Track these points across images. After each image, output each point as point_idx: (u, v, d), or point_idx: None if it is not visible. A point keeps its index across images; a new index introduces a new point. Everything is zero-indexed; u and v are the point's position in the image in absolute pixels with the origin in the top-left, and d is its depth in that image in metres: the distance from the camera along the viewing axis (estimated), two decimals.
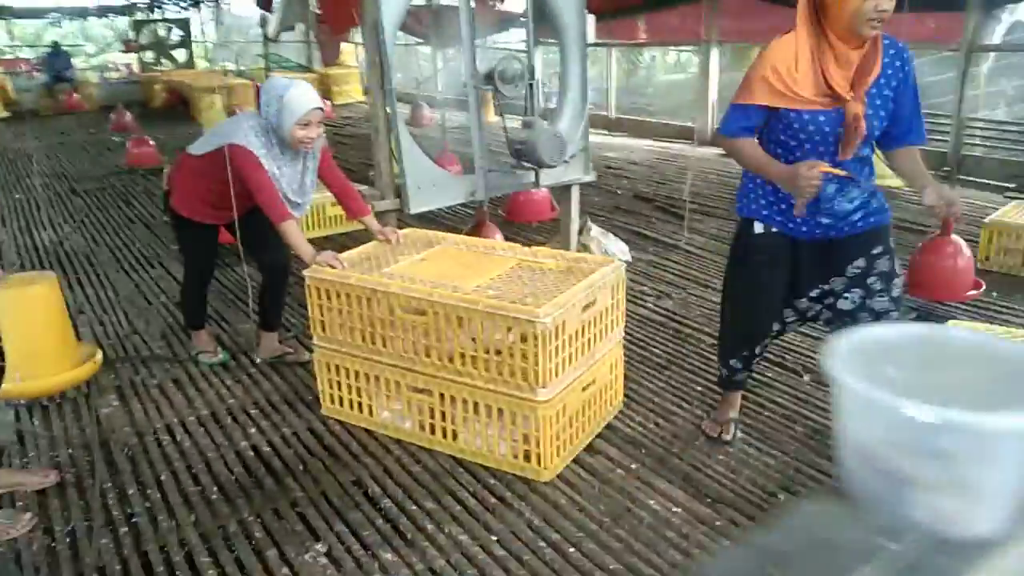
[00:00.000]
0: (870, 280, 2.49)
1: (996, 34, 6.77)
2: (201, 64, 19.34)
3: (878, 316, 2.49)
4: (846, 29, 2.17)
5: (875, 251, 2.48)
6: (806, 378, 3.39)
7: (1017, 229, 4.59)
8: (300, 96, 3.01)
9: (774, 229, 2.51)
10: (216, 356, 3.66)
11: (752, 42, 9.42)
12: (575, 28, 4.16)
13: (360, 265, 2.97)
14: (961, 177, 6.77)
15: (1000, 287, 4.37)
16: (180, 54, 18.06)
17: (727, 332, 2.84)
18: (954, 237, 4.16)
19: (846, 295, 2.53)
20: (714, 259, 5.05)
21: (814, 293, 2.59)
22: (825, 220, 2.43)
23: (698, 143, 8.97)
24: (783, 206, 2.46)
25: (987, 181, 6.57)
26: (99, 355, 3.62)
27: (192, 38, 18.78)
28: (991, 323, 3.51)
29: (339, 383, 3.03)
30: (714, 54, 8.95)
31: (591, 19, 7.89)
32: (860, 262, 2.48)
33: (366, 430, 2.99)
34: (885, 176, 6.41)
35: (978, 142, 7.05)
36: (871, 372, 0.64)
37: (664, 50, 13.02)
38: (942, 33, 6.94)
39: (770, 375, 3.42)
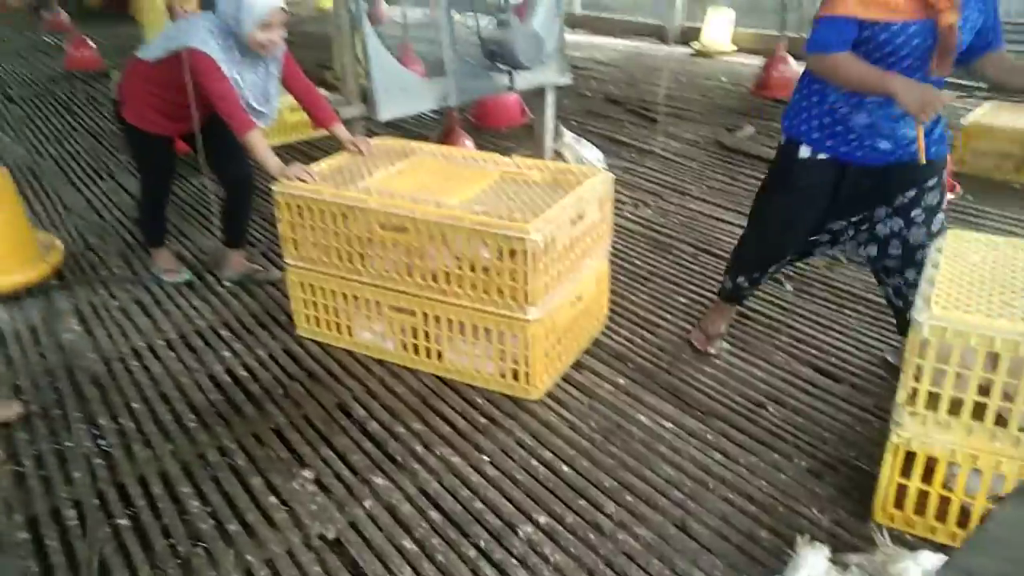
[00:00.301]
0: (914, 212, 2.34)
1: None
2: None
3: (910, 248, 2.36)
4: None
5: (928, 183, 2.31)
6: (788, 287, 3.36)
7: (992, 131, 4.55)
8: None
9: (822, 156, 2.33)
10: (180, 275, 3.49)
11: None
12: None
13: (332, 179, 2.80)
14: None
15: (975, 190, 4.36)
16: None
17: (746, 252, 2.69)
18: None
19: (885, 222, 2.40)
20: (689, 165, 4.95)
21: (854, 218, 2.46)
22: (885, 145, 2.25)
23: (668, 42, 8.71)
24: (838, 128, 2.28)
25: (960, 81, 6.48)
26: (58, 243, 3.62)
27: None
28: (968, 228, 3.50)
29: (315, 303, 2.91)
30: None
31: None
32: (911, 192, 2.32)
33: (346, 351, 2.90)
34: None
35: None
36: None
37: None
38: None
39: None
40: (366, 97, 3.66)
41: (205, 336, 3.06)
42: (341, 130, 3.12)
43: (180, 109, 2.92)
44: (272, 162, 2.81)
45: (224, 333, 3.08)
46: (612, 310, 3.13)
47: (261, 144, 2.82)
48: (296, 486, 2.25)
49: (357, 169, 2.90)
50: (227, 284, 3.45)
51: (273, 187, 2.78)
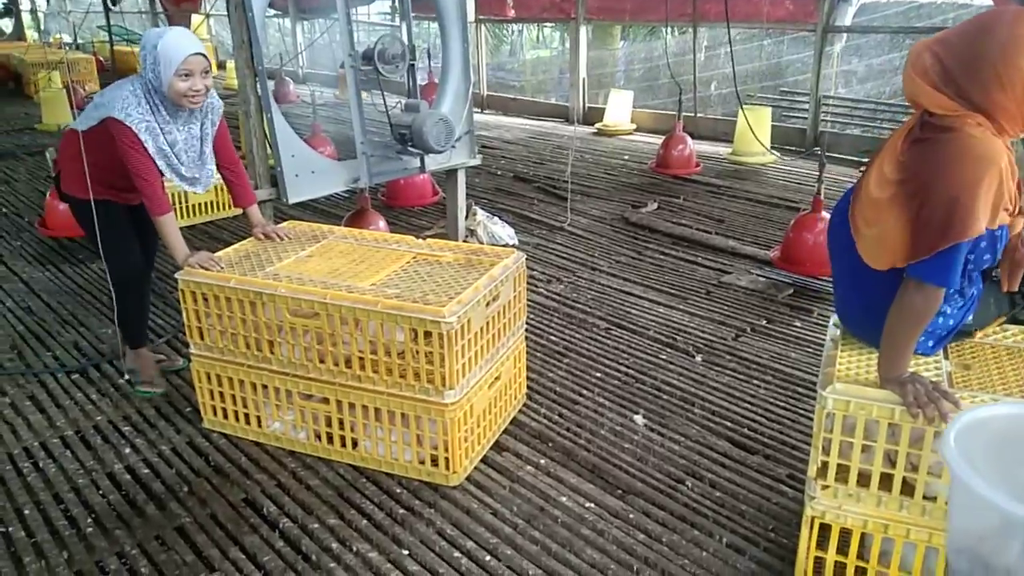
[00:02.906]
0: None
1: (847, 16, 7.14)
2: (32, 36, 17.59)
3: None
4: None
5: None
6: (698, 358, 3.44)
7: None
8: (175, 42, 2.64)
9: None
10: (155, 388, 3.15)
11: (615, 20, 9.55)
12: (455, 6, 4.01)
13: (240, 265, 2.73)
14: (821, 152, 7.12)
15: None
16: (5, 25, 16.33)
17: None
18: (824, 214, 4.35)
19: None
20: (598, 241, 5.07)
21: None
22: None
23: (571, 122, 9.02)
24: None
25: (843, 156, 6.94)
26: None
27: (19, 7, 17.02)
28: None
29: (221, 394, 2.79)
30: (583, 31, 8.99)
31: None
32: None
33: (255, 443, 2.78)
34: (748, 154, 6.68)
35: (834, 119, 7.44)
36: (996, 470, 0.57)
37: (528, 26, 13.01)
38: (798, 14, 7.26)
39: (663, 357, 3.45)
40: (275, 180, 3.63)
41: (104, 432, 2.88)
42: (256, 212, 3.07)
43: (118, 179, 2.80)
44: (180, 248, 2.72)
45: (124, 428, 2.91)
46: (530, 388, 3.13)
47: (173, 228, 2.74)
48: None
49: (266, 255, 2.84)
50: (128, 375, 3.28)
51: (178, 275, 2.69)
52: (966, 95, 1.71)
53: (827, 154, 4.72)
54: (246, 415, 2.78)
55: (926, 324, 1.79)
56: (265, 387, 2.69)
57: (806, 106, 7.39)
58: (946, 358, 2.02)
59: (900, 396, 1.76)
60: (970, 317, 2.05)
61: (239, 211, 3.14)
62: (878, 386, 1.82)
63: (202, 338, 2.73)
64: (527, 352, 3.07)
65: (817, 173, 4.38)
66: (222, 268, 2.68)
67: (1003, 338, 2.13)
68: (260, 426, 2.77)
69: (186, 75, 2.65)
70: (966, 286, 1.96)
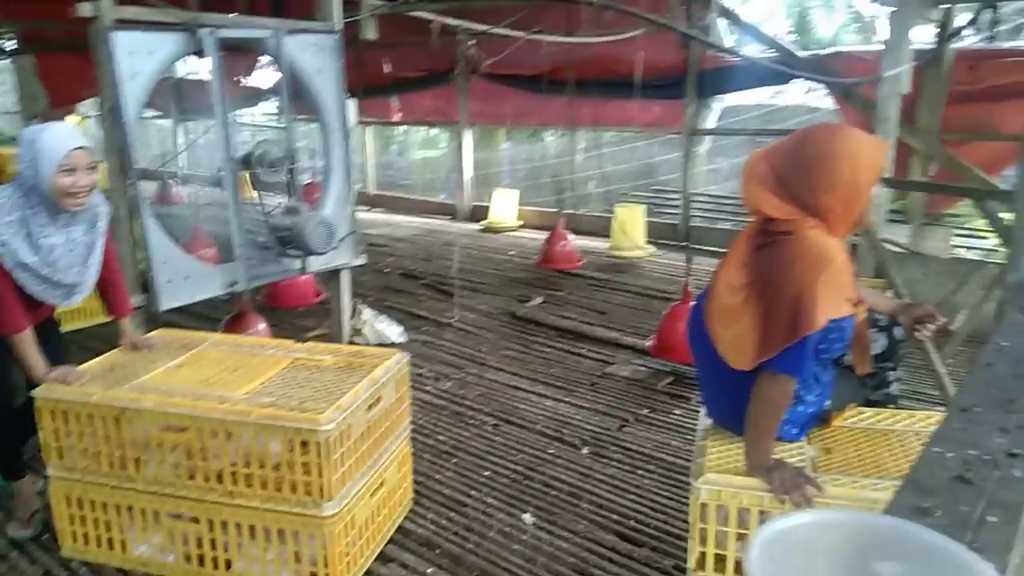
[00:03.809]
0: None
1: (711, 119, 7.70)
2: None
3: None
4: (854, 224, 1.96)
5: None
6: (585, 451, 3.47)
7: None
8: (56, 137, 2.46)
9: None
10: (28, 530, 2.80)
11: (497, 123, 9.94)
12: (336, 111, 4.08)
13: (104, 378, 2.59)
14: (691, 245, 7.52)
15: None
16: None
17: None
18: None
19: None
20: (486, 336, 5.11)
21: None
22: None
23: (458, 219, 9.20)
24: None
25: (713, 248, 7.34)
26: None
27: None
28: None
29: (83, 517, 2.58)
30: (467, 135, 9.29)
31: (352, 102, 7.93)
32: None
33: (120, 570, 2.57)
34: (626, 248, 6.97)
35: (703, 214, 7.90)
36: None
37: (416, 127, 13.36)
38: (666, 118, 7.77)
39: (551, 451, 3.46)
40: (147, 285, 3.51)
41: None
42: (128, 323, 2.92)
43: None
44: (38, 364, 2.54)
45: None
46: (417, 491, 3.06)
47: (29, 344, 2.54)
48: None
49: (133, 366, 2.71)
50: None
51: (35, 392, 2.52)
52: (799, 198, 1.87)
53: (697, 246, 4.98)
54: (109, 539, 2.58)
55: (783, 413, 1.88)
56: (130, 508, 2.52)
57: (677, 202, 7.83)
58: (809, 443, 2.12)
59: (767, 483, 1.83)
60: (828, 402, 2.17)
61: (110, 318, 2.99)
62: (747, 475, 1.89)
63: (61, 458, 2.55)
64: (414, 454, 3.01)
65: (687, 265, 4.62)
66: (84, 382, 2.53)
67: (860, 420, 2.26)
68: (125, 551, 2.57)
69: (69, 171, 2.45)
70: (821, 373, 2.09)
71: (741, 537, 1.88)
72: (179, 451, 2.40)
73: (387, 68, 9.13)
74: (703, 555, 1.91)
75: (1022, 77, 5.51)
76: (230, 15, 3.86)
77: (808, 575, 0.61)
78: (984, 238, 6.71)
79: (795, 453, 2.04)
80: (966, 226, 6.95)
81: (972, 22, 3.91)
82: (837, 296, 1.84)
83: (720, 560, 1.91)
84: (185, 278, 3.53)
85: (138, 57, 3.26)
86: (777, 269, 1.85)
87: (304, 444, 2.27)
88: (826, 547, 0.64)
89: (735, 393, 1.96)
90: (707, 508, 1.86)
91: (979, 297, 3.93)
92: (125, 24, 3.26)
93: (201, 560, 2.48)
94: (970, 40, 5.95)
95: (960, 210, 6.87)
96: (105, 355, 2.83)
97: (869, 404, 2.45)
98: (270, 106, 11.19)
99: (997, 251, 6.13)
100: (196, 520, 2.44)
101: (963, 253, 6.50)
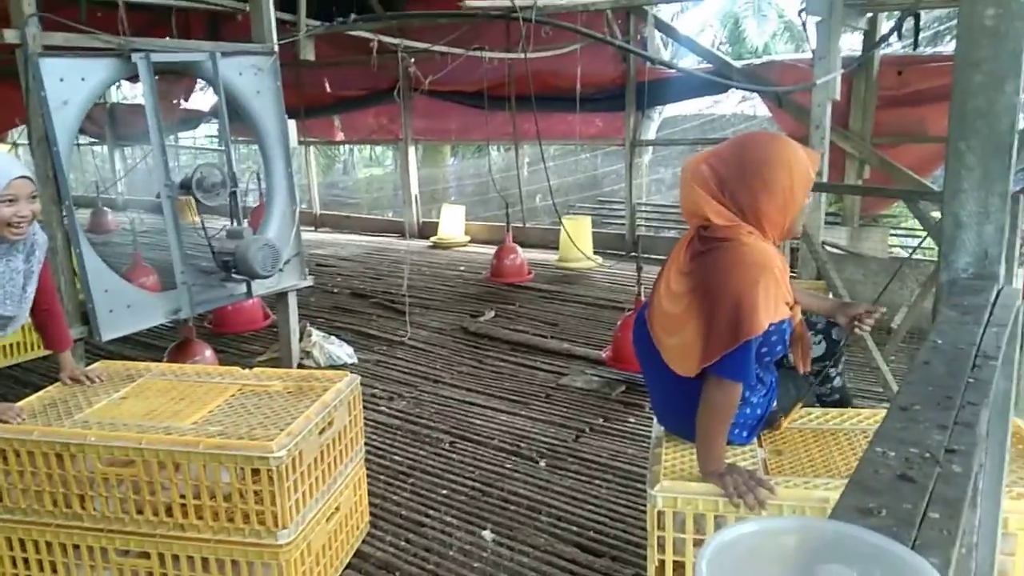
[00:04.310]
0: None
1: (651, 130, 7.83)
2: None
3: None
4: (787, 231, 2.01)
5: None
6: (542, 463, 3.47)
7: None
8: None
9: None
10: None
11: (441, 139, 9.95)
12: (276, 132, 4.03)
13: (44, 414, 2.51)
14: (637, 255, 7.62)
15: None
16: None
17: None
18: None
19: None
20: (439, 352, 5.09)
21: None
22: None
23: (406, 236, 9.16)
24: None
25: (659, 257, 7.46)
26: None
27: None
28: None
29: (25, 560, 2.49)
30: (412, 151, 9.28)
31: (292, 123, 7.86)
32: None
33: None
34: (574, 259, 7.03)
35: (648, 223, 8.02)
36: None
37: (359, 146, 13.30)
38: (608, 131, 7.87)
39: (508, 466, 3.46)
40: (86, 317, 3.41)
41: None
42: (68, 357, 2.83)
43: None
44: None
45: None
46: (373, 514, 3.02)
47: None
48: None
49: (75, 400, 2.62)
50: None
51: None
52: (738, 202, 1.92)
53: (644, 256, 5.04)
54: None
55: (731, 417, 1.91)
56: (77, 547, 2.43)
57: (623, 213, 7.94)
58: (760, 446, 2.16)
59: (721, 488, 1.86)
60: (775, 404, 2.22)
61: (49, 352, 2.89)
62: (701, 481, 1.92)
63: (1, 499, 2.45)
64: (369, 476, 2.98)
65: (636, 275, 4.67)
66: (23, 420, 2.45)
67: (808, 421, 2.31)
68: None
69: (10, 201, 2.39)
70: (765, 375, 2.13)
71: (698, 543, 1.90)
72: (126, 485, 2.33)
73: (328, 88, 9.08)
74: (662, 563, 1.92)
75: (945, 81, 5.74)
76: (164, 39, 3.80)
77: None
78: (919, 237, 6.95)
79: (747, 456, 2.07)
80: (902, 226, 7.19)
81: (896, 29, 4.06)
82: (777, 301, 1.88)
83: (679, 567, 1.93)
84: (126, 307, 3.45)
85: (68, 84, 3.18)
86: (717, 276, 1.89)
87: (255, 472, 2.22)
88: (775, 554, 0.65)
89: (683, 400, 1.99)
90: (663, 515, 1.88)
91: (916, 294, 4.06)
92: (54, 50, 3.18)
93: None
94: (896, 47, 6.18)
95: (895, 211, 7.11)
96: (45, 390, 2.73)
97: (819, 400, 2.51)
98: (211, 129, 11.04)
99: (931, 249, 6.35)
100: (146, 555, 2.37)
101: (900, 252, 6.72)
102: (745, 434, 2.12)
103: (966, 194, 1.45)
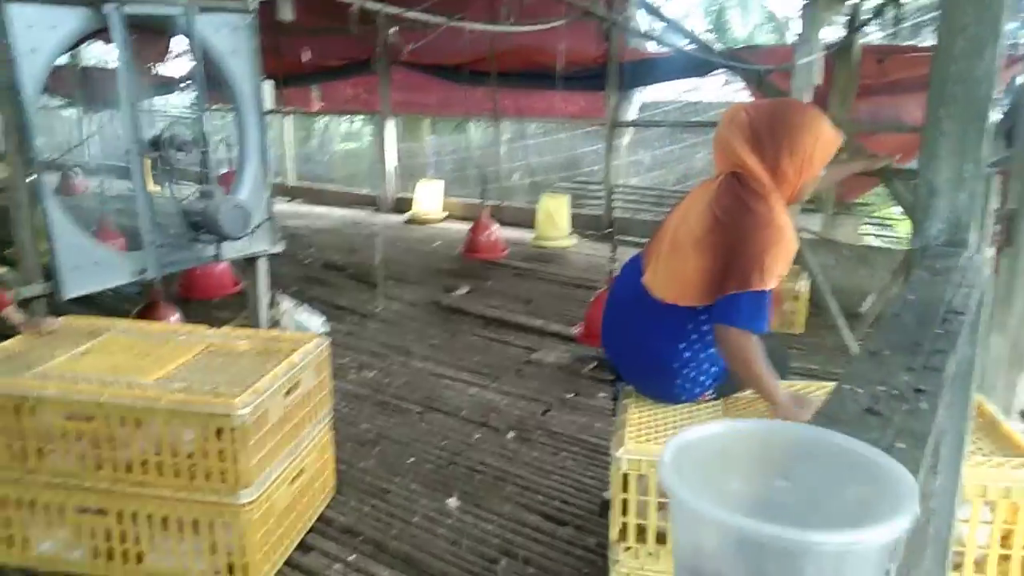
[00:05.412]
0: None
1: (632, 111, 7.80)
2: None
3: None
4: (797, 194, 2.07)
5: None
6: (510, 436, 3.47)
7: None
8: None
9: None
10: None
11: (420, 113, 9.85)
12: (250, 94, 3.95)
13: (2, 366, 2.45)
14: (615, 236, 7.62)
15: None
16: None
17: None
18: None
19: None
20: (411, 325, 5.06)
21: None
22: None
23: (382, 211, 9.09)
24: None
25: (636, 239, 7.46)
26: None
27: None
28: None
29: None
30: (390, 124, 9.17)
31: (268, 84, 7.74)
32: None
33: (22, 570, 2.43)
34: (550, 238, 7.01)
35: (625, 205, 8.00)
36: (709, 483, 0.59)
37: (336, 118, 13.13)
38: (589, 110, 7.83)
39: (477, 437, 3.45)
40: (50, 274, 3.33)
41: None
42: (12, 313, 2.77)
43: None
44: None
45: None
46: (339, 480, 2.99)
47: None
48: None
49: (35, 354, 2.56)
50: None
51: None
52: (765, 153, 2.00)
53: (619, 237, 5.03)
54: (10, 537, 2.43)
55: (760, 355, 1.94)
56: (33, 503, 2.39)
57: (600, 193, 7.92)
58: (725, 414, 2.16)
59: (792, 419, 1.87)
60: None
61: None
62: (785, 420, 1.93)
63: None
64: (336, 442, 2.95)
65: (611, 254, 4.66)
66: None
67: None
68: (27, 549, 2.43)
69: None
70: None
71: (662, 507, 1.90)
72: (85, 441, 2.28)
73: (306, 57, 8.93)
74: (625, 526, 1.92)
75: (924, 71, 5.77)
76: None
77: (720, 478, 0.61)
78: (891, 227, 7.03)
79: (711, 409, 2.10)
80: (874, 215, 7.25)
81: (877, 15, 4.07)
82: (784, 267, 1.96)
83: (642, 531, 1.93)
84: (92, 264, 3.37)
85: (37, 31, 3.08)
86: (750, 220, 1.96)
87: (219, 430, 2.19)
88: (742, 454, 0.64)
89: (651, 350, 2.09)
90: (628, 478, 1.88)
91: (887, 281, 4.10)
92: None
93: (111, 554, 2.37)
94: (876, 36, 6.20)
95: (868, 199, 7.17)
96: (2, 343, 2.67)
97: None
98: (185, 98, 10.83)
99: (902, 239, 6.42)
100: (104, 513, 2.33)
101: (872, 241, 6.78)
102: (710, 382, 2.15)
103: (941, 160, 1.45)
